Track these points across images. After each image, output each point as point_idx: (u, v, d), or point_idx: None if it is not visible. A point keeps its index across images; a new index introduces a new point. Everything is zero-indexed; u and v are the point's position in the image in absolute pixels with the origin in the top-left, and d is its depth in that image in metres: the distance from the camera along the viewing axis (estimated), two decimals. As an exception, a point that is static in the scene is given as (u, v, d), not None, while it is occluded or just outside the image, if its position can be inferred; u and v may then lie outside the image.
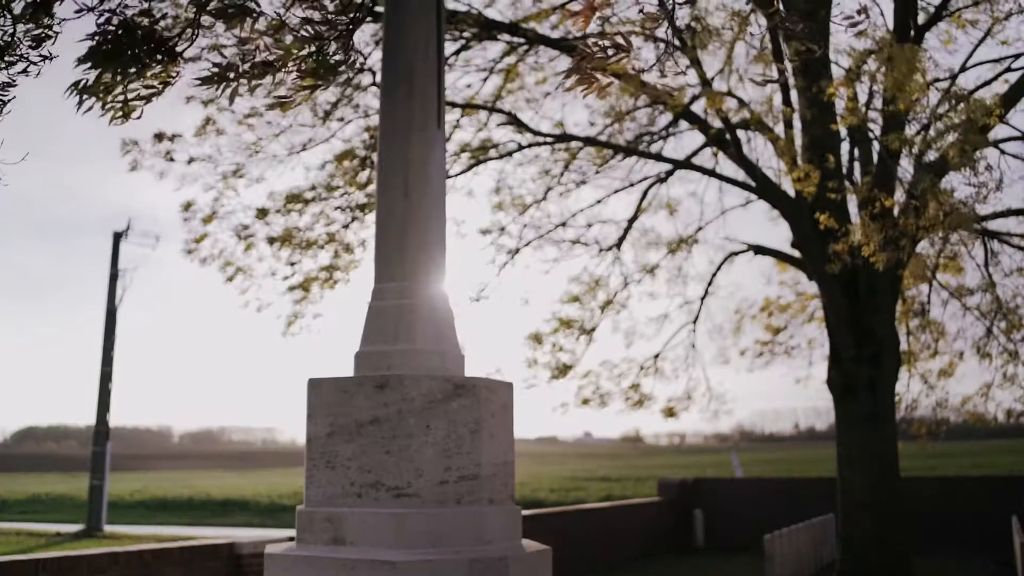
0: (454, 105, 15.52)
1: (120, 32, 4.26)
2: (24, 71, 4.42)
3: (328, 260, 15.51)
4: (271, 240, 15.30)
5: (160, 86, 4.44)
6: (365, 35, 14.44)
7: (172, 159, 14.90)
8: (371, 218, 14.56)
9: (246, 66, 4.50)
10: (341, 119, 15.15)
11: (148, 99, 4.45)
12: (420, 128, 4.75)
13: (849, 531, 15.23)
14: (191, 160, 14.97)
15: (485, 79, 16.03)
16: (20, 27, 4.35)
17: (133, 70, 4.36)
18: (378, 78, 4.82)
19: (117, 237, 35.43)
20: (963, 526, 21.20)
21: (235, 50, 4.57)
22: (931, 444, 17.36)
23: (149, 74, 4.40)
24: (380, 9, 9.00)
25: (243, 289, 15.42)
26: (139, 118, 4.46)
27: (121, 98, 4.37)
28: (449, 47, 14.77)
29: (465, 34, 14.94)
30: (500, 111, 16.16)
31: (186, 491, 50.16)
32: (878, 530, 14.82)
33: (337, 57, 4.68)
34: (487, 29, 14.90)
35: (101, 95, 4.35)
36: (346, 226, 15.42)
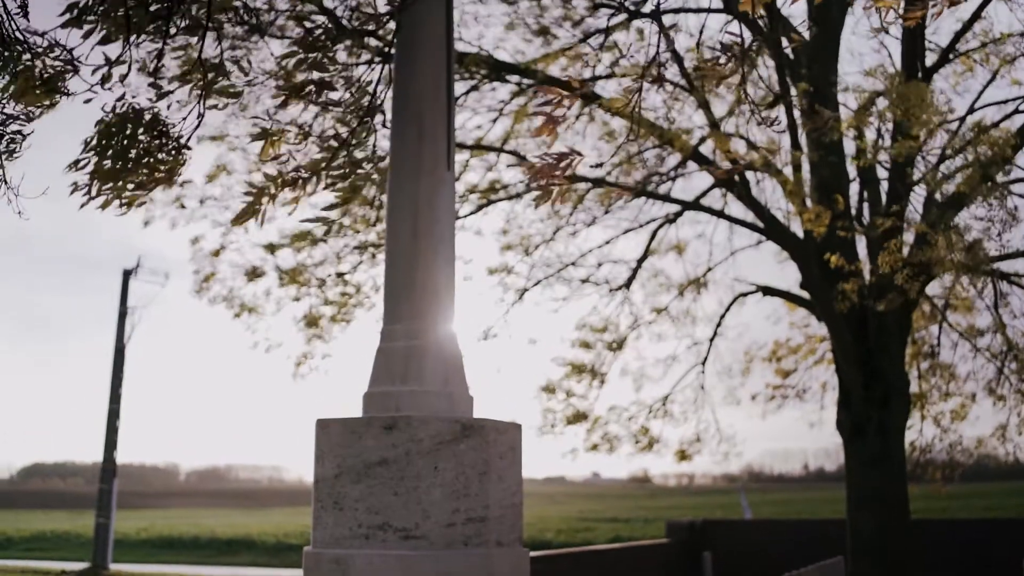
0: (464, 146, 15.59)
1: (126, 123, 4.28)
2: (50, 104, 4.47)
3: (337, 299, 15.54)
4: (281, 277, 15.34)
5: (167, 175, 4.44)
6: (375, 75, 14.54)
7: (183, 206, 15.01)
8: (381, 258, 14.59)
9: (275, 189, 4.54)
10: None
11: (151, 189, 4.45)
12: (430, 170, 4.79)
13: (859, 574, 15.10)
14: (203, 201, 15.07)
15: (495, 120, 16.12)
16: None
17: (133, 162, 4.36)
18: (388, 118, 4.87)
19: (127, 275, 35.58)
20: (973, 569, 20.99)
21: (261, 175, 4.61)
22: (945, 487, 17.24)
23: (154, 166, 4.41)
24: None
25: (252, 328, 15.45)
26: (141, 205, 4.47)
27: (123, 191, 4.37)
28: (459, 88, 14.87)
29: (475, 75, 15.03)
30: (509, 152, 16.23)
31: (192, 529, 49.96)
32: (888, 573, 14.68)
33: (361, 154, 4.72)
34: (497, 71, 14.99)
35: (103, 190, 4.34)
36: (355, 266, 15.46)
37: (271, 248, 15.27)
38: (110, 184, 4.36)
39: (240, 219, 4.65)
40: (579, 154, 4.59)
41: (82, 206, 4.35)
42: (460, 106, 15.27)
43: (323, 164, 4.67)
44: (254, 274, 15.23)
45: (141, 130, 4.38)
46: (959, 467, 17.16)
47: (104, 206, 4.41)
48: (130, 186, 4.42)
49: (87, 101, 4.39)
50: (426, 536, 4.03)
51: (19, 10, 4.29)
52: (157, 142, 4.41)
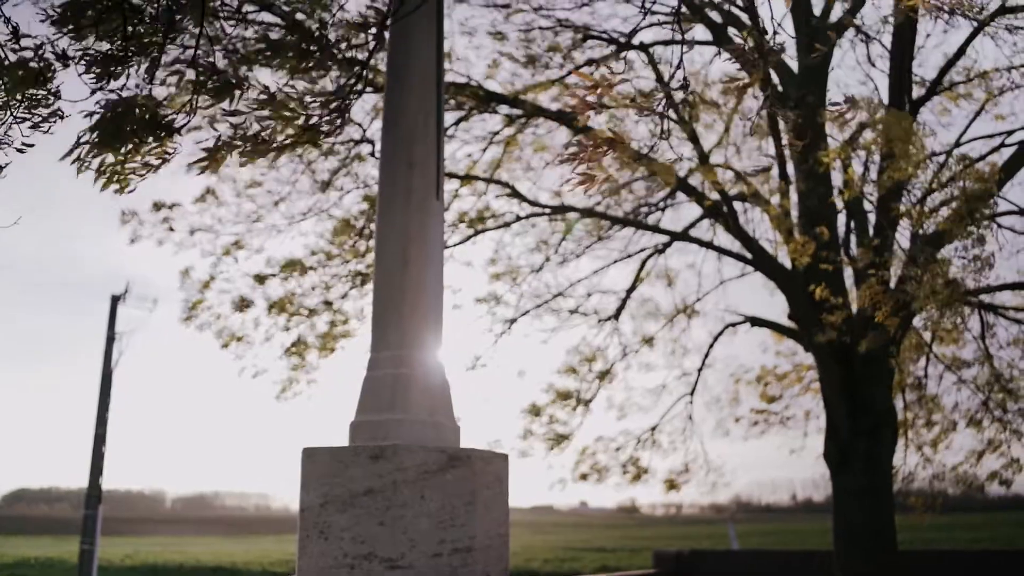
0: (453, 176, 15.64)
1: (120, 111, 4.34)
2: (35, 126, 4.49)
3: (325, 327, 15.52)
4: (269, 306, 15.33)
5: (157, 162, 4.50)
6: (366, 105, 14.61)
7: (172, 228, 15.00)
8: (369, 287, 14.60)
9: (238, 141, 4.57)
10: (340, 189, 15.28)
11: (144, 175, 4.51)
12: (419, 200, 4.81)
13: (846, 605, 15.07)
14: (193, 231, 15.08)
15: (484, 149, 16.18)
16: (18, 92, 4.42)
17: (131, 146, 4.43)
18: (378, 148, 4.88)
19: (115, 300, 35.43)
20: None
21: (227, 126, 4.64)
22: (928, 515, 17.23)
23: (145, 150, 4.47)
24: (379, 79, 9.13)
25: (239, 355, 15.42)
26: (132, 191, 4.52)
27: (118, 170, 4.43)
28: (449, 117, 14.93)
29: (465, 105, 15.10)
30: (499, 182, 16.28)
31: (177, 557, 49.60)
32: (875, 605, 14.65)
33: (324, 127, 4.74)
34: (487, 101, 15.06)
35: (99, 168, 4.41)
36: (344, 295, 15.46)
37: (260, 279, 15.27)
38: (107, 160, 4.43)
39: (200, 163, 4.66)
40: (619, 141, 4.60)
41: (79, 172, 4.41)
42: (449, 136, 15.32)
43: (282, 126, 4.68)
44: (243, 304, 15.22)
45: (137, 116, 4.43)
46: (942, 496, 17.17)
47: (105, 184, 4.47)
48: (127, 167, 4.49)
49: (92, 94, 4.43)
50: (412, 566, 4.03)
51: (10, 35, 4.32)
52: (145, 121, 4.46)
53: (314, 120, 4.64)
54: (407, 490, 4.09)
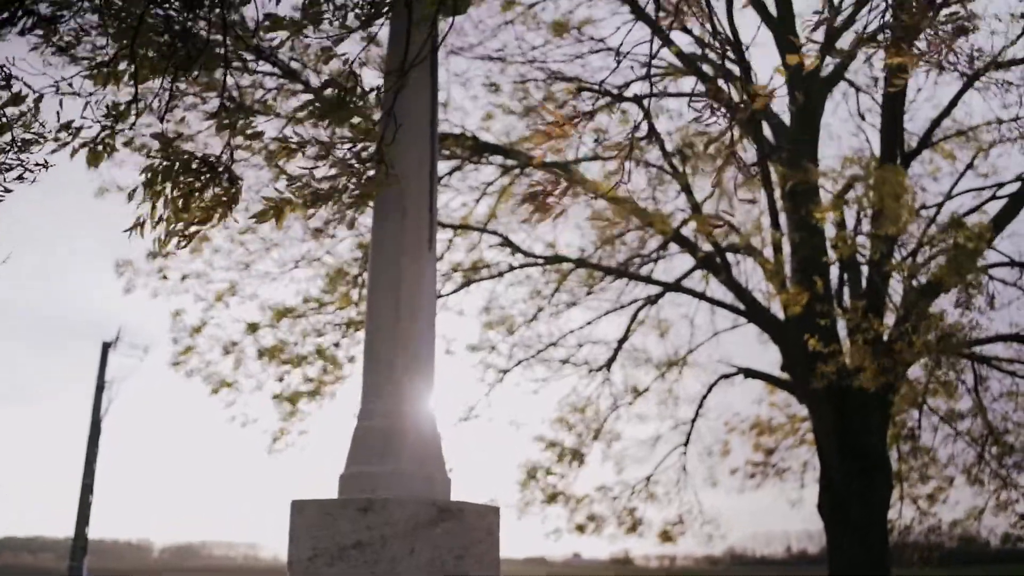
0: (447, 226, 15.67)
1: (173, 160, 4.34)
2: (19, 177, 4.49)
3: (316, 375, 15.46)
4: (260, 354, 15.28)
5: (220, 210, 4.47)
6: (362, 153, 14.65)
7: (166, 277, 15.00)
8: (362, 335, 14.56)
9: (298, 198, 4.56)
10: (333, 236, 15.29)
11: (205, 222, 4.49)
12: (412, 250, 4.80)
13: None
14: (184, 277, 15.07)
15: (478, 199, 16.23)
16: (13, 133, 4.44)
17: (195, 190, 4.42)
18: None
19: (106, 347, 35.31)
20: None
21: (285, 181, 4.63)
22: (925, 568, 17.10)
23: (209, 196, 4.45)
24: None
25: (228, 403, 15.35)
26: (203, 240, 4.53)
27: (185, 227, 4.42)
28: (443, 167, 14.99)
29: (460, 155, 15.16)
30: (492, 232, 16.32)
31: (165, 610, 49.02)
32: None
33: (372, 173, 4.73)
34: (481, 151, 15.14)
35: (159, 223, 4.40)
36: (336, 343, 15.41)
37: (252, 327, 15.24)
38: (169, 226, 4.42)
39: (262, 216, 4.62)
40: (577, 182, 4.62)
41: (133, 232, 4.40)
42: (443, 186, 15.38)
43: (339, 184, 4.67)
44: (233, 350, 15.18)
45: (191, 168, 4.43)
46: (938, 550, 17.06)
47: (165, 244, 4.46)
48: (191, 220, 4.47)
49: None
50: (401, 621, 3.97)
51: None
52: (207, 176, 4.45)
53: (362, 171, 4.64)
54: (397, 544, 4.04)
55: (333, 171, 4.60)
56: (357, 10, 4.57)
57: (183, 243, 4.51)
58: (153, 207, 4.40)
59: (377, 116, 4.82)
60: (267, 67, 12.29)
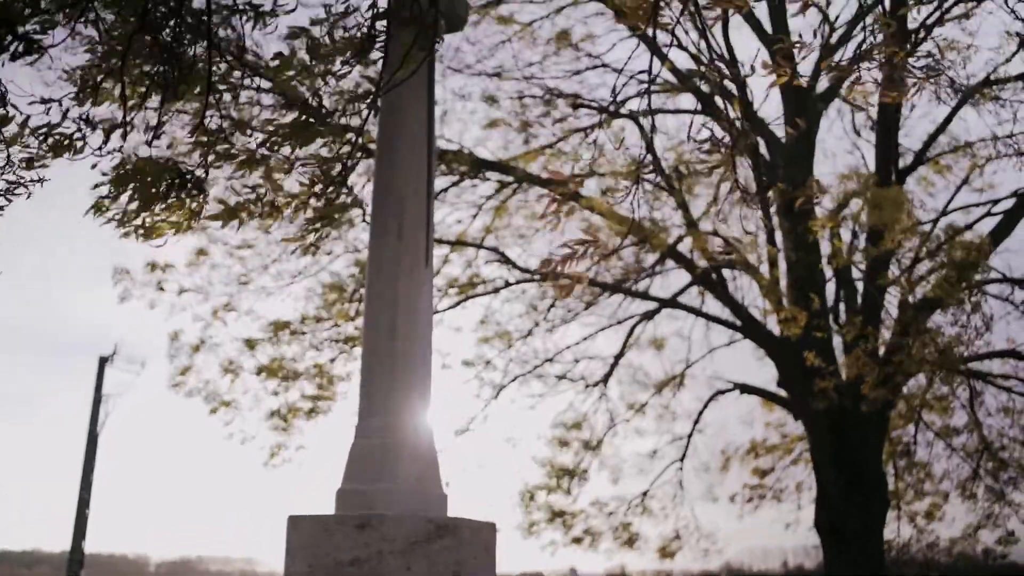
0: (443, 242, 15.68)
1: (141, 164, 4.39)
2: (9, 193, 4.52)
3: (313, 391, 15.45)
4: (258, 370, 15.26)
5: (187, 219, 4.54)
6: (358, 169, 14.66)
7: (163, 289, 14.98)
8: (358, 351, 14.56)
9: (256, 207, 4.60)
10: (330, 253, 15.29)
11: (176, 228, 4.55)
12: (408, 267, 4.81)
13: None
14: (182, 291, 15.05)
15: (475, 215, 16.24)
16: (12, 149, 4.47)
17: (161, 202, 4.48)
18: (369, 213, 4.94)
19: (103, 362, 35.17)
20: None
21: (247, 190, 4.68)
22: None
23: (175, 205, 4.51)
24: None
25: (227, 422, 15.33)
26: (164, 244, 4.58)
27: (143, 222, 4.48)
28: (440, 183, 15.01)
29: (457, 171, 15.19)
30: (489, 248, 16.33)
31: (160, 624, 48.77)
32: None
33: (345, 199, 4.80)
34: (478, 168, 15.17)
35: (122, 219, 4.45)
36: (333, 359, 15.41)
37: (250, 344, 15.23)
38: (132, 218, 4.47)
39: (216, 218, 4.69)
40: (595, 241, 4.65)
41: (103, 224, 4.45)
42: (440, 201, 15.40)
43: (301, 196, 4.74)
44: (231, 369, 15.17)
45: (161, 174, 4.49)
46: (936, 567, 17.03)
47: (126, 234, 4.50)
48: (154, 218, 4.53)
49: (93, 166, 4.49)
50: (397, 638, 3.97)
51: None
52: (176, 182, 4.50)
53: (323, 193, 4.69)
54: (393, 560, 4.04)
55: (299, 184, 4.66)
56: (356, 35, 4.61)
57: (140, 236, 4.55)
58: (115, 198, 4.45)
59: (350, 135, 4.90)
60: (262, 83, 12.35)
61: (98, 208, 4.49)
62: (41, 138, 4.41)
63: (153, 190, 4.47)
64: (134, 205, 4.51)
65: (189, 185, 4.54)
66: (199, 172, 4.62)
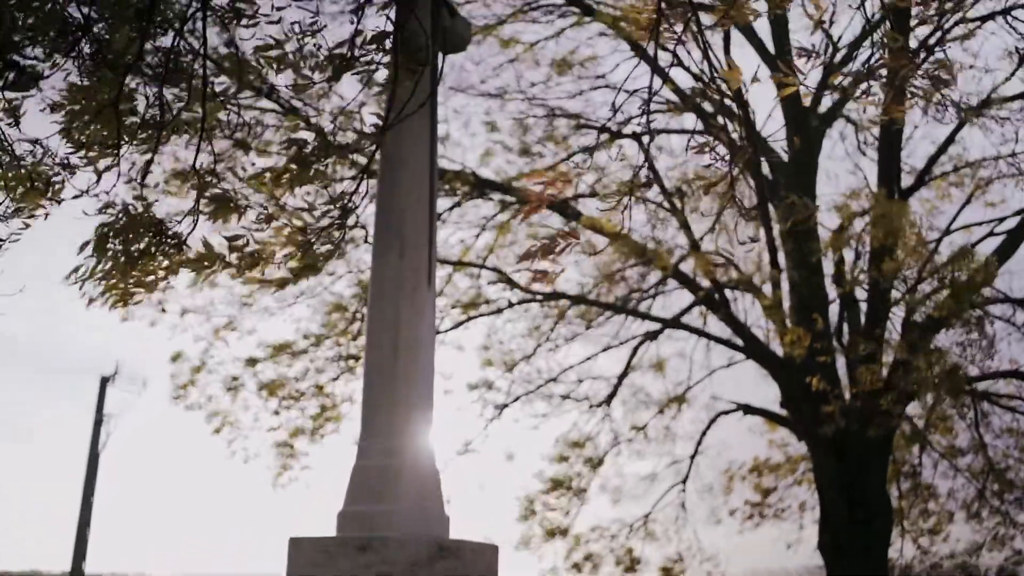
0: (446, 262, 15.67)
1: (121, 225, 4.37)
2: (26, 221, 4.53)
3: (316, 411, 15.43)
4: (260, 388, 15.25)
5: (164, 274, 4.51)
6: (360, 190, 14.68)
7: (164, 310, 14.98)
8: (361, 370, 14.53)
9: (234, 257, 4.58)
10: (332, 273, 15.29)
11: (150, 287, 4.52)
12: (411, 287, 4.80)
13: None
14: (184, 312, 15.07)
15: (478, 235, 16.24)
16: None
17: (139, 260, 4.45)
18: (371, 233, 4.94)
19: (104, 382, 35.08)
20: None
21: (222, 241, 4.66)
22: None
23: (154, 265, 4.49)
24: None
25: (229, 441, 15.31)
26: (138, 303, 4.54)
27: (121, 287, 4.45)
28: (442, 204, 15.01)
29: (459, 191, 15.20)
30: (492, 269, 16.31)
31: (161, 647, 48.51)
32: None
33: (326, 248, 4.77)
34: (480, 187, 15.18)
35: (102, 283, 4.42)
36: (335, 378, 15.39)
37: (252, 362, 15.22)
38: (110, 284, 4.43)
39: (195, 267, 4.66)
40: (573, 236, 4.63)
41: (89, 301, 4.43)
42: (443, 222, 15.40)
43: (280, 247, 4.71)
44: (232, 386, 15.16)
45: (141, 231, 4.45)
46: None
47: (113, 305, 4.48)
48: (129, 283, 4.49)
49: (84, 207, 4.47)
50: (398, 661, 3.93)
51: (12, 121, 4.37)
52: (156, 239, 4.47)
53: (314, 241, 4.67)
54: (395, 582, 4.01)
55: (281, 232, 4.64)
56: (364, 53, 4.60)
57: (119, 303, 4.53)
58: (98, 262, 4.43)
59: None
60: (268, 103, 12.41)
61: (82, 275, 4.45)
62: (18, 180, 4.40)
63: (133, 251, 4.44)
64: (112, 271, 4.47)
65: (168, 244, 4.51)
66: (183, 223, 4.59)
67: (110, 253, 4.42)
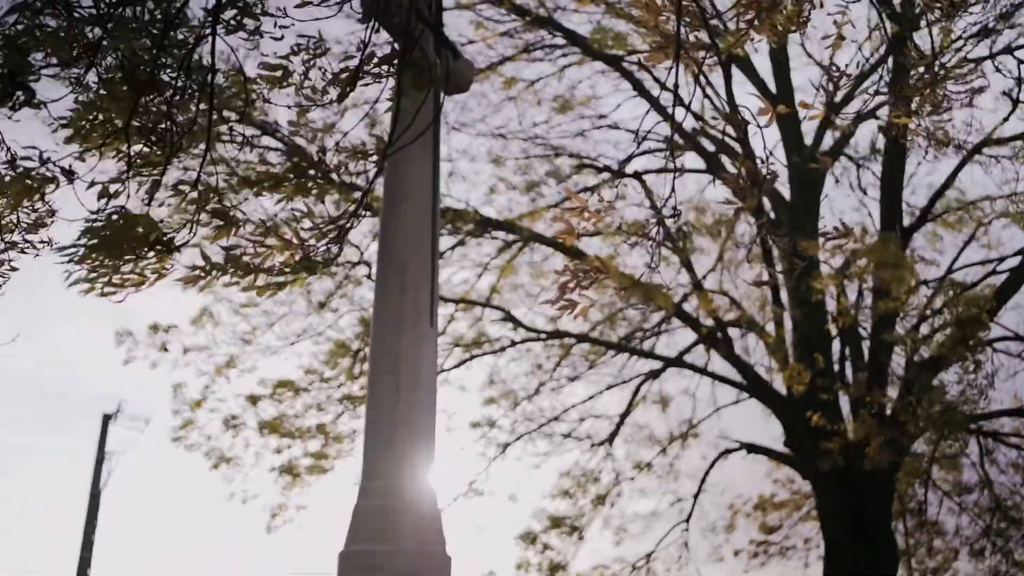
0: (449, 300, 15.69)
1: (120, 223, 4.37)
2: (22, 250, 4.53)
3: (317, 449, 15.39)
4: (261, 427, 15.22)
5: (153, 276, 4.51)
6: (363, 227, 14.73)
7: (166, 349, 15.01)
8: (363, 409, 14.50)
9: (230, 266, 4.58)
10: (335, 310, 15.31)
11: (137, 286, 4.52)
12: (413, 325, 4.80)
13: None
14: (186, 350, 15.09)
15: (480, 274, 16.27)
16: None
17: (129, 258, 4.44)
18: (374, 271, 4.95)
19: (106, 420, 34.96)
20: None
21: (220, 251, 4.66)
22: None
23: (143, 265, 4.48)
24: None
25: (228, 479, 15.27)
26: (121, 301, 4.52)
27: (111, 280, 4.44)
28: (445, 242, 15.05)
29: (462, 230, 15.24)
30: (495, 307, 16.33)
31: None
32: None
33: (320, 257, 4.76)
34: (483, 226, 15.22)
35: (92, 276, 4.43)
36: (337, 416, 15.36)
37: (252, 399, 15.21)
38: (101, 271, 4.43)
39: (188, 281, 4.66)
40: (599, 270, 4.62)
41: (72, 282, 4.42)
42: (446, 260, 15.43)
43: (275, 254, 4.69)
44: (233, 424, 15.13)
45: (133, 226, 4.46)
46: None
47: (89, 291, 4.46)
48: (117, 277, 4.49)
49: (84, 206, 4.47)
50: None
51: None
52: (144, 237, 4.47)
53: (311, 250, 4.66)
54: (396, 624, 3.97)
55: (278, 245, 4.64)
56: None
57: (108, 293, 4.53)
58: (84, 259, 4.44)
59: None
60: (271, 141, 12.49)
61: (70, 263, 4.47)
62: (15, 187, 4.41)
63: (124, 244, 4.44)
64: (105, 261, 4.47)
65: (159, 245, 4.51)
66: (181, 232, 4.59)
67: (100, 243, 4.43)
